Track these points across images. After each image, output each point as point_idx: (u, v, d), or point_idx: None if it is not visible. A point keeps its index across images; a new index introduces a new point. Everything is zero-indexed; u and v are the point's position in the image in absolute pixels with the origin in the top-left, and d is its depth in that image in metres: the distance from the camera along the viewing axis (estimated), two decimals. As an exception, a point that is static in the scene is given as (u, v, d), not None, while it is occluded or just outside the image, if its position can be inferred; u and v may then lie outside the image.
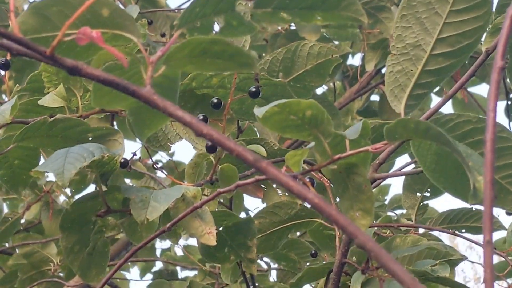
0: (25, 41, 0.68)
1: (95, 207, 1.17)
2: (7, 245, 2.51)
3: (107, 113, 1.26)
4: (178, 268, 3.11)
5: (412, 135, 0.88)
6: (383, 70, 2.93)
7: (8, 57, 1.20)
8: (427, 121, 0.85)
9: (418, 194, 2.01)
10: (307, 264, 2.17)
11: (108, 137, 1.12)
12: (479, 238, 1.84)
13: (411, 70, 0.94)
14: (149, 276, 3.12)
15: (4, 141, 1.14)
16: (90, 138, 1.12)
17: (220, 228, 1.23)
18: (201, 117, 1.25)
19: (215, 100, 1.28)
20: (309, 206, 0.61)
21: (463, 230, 2.02)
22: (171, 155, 3.30)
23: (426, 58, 0.94)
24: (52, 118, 1.10)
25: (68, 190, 2.76)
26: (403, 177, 1.92)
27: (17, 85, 1.31)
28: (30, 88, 1.31)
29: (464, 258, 1.71)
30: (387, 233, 1.99)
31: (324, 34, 2.73)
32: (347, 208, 0.97)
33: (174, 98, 0.81)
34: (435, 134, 0.85)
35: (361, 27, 2.73)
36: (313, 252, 2.08)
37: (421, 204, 2.02)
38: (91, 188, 2.69)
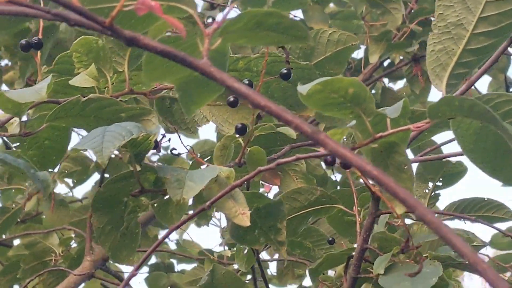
0: (85, 11, 0.67)
1: (127, 188, 1.16)
2: (4, 236, 2.51)
3: (135, 95, 1.25)
4: (174, 261, 3.11)
5: (456, 113, 0.88)
6: (386, 63, 2.94)
7: (40, 36, 1.19)
8: (473, 98, 0.85)
9: (430, 183, 2.01)
10: (323, 252, 2.17)
11: (142, 117, 1.12)
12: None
13: (453, 49, 0.94)
14: (145, 269, 3.11)
15: (35, 121, 1.13)
16: (123, 118, 1.12)
17: (250, 210, 1.22)
18: (232, 99, 1.24)
19: (246, 82, 1.28)
20: (369, 179, 0.60)
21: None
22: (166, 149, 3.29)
23: (468, 37, 0.94)
24: (85, 98, 1.10)
25: (70, 181, 2.76)
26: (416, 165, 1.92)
27: (44, 66, 1.30)
28: (58, 70, 1.31)
29: (485, 244, 1.72)
30: (399, 222, 1.99)
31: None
32: (387, 187, 0.96)
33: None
34: (480, 112, 0.85)
35: (364, 19, 2.73)
36: (330, 239, 2.08)
37: (433, 193, 2.02)
38: (94, 178, 2.69)
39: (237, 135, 1.27)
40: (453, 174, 2.01)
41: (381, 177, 0.66)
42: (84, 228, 2.06)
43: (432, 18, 2.42)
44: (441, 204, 2.12)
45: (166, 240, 2.90)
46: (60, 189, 5.67)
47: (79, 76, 1.18)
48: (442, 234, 0.64)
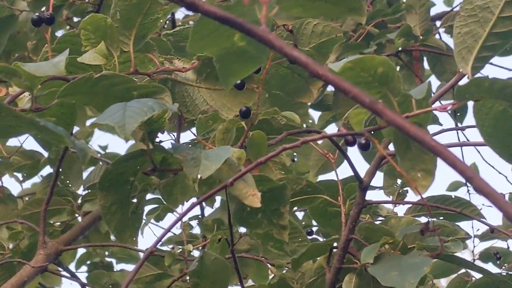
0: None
1: (135, 167, 1.15)
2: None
3: (140, 75, 1.24)
4: (113, 261, 3.09)
5: (485, 94, 0.89)
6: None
7: (50, 10, 1.17)
8: (504, 79, 0.86)
9: (399, 180, 2.02)
10: (296, 245, 2.16)
11: (155, 95, 1.10)
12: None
13: (479, 32, 0.95)
14: (84, 269, 3.09)
15: (44, 98, 1.11)
16: (135, 96, 1.11)
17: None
18: (239, 81, 1.24)
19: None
20: (429, 148, 0.60)
21: (441, 217, 2.03)
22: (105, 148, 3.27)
23: (494, 20, 0.95)
24: (98, 74, 1.09)
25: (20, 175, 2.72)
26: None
27: (46, 45, 1.28)
28: (59, 49, 1.29)
29: (469, 236, 1.74)
30: (367, 217, 2.01)
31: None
32: (409, 168, 0.97)
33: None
34: (510, 94, 0.86)
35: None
36: (309, 230, 2.09)
37: (401, 190, 2.04)
38: (45, 171, 2.65)
39: (242, 118, 1.26)
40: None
41: (439, 149, 0.66)
42: (37, 222, 2.02)
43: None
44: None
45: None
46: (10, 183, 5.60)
47: (88, 53, 1.17)
48: (499, 206, 0.64)
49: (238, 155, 1.13)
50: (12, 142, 2.66)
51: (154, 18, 1.24)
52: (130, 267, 3.11)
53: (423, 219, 2.15)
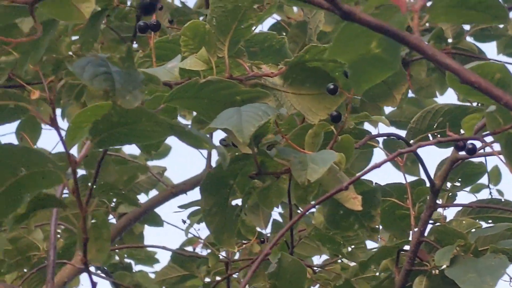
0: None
1: (235, 171, 1.18)
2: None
3: (235, 80, 1.26)
4: (132, 262, 3.11)
5: None
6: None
7: (154, 18, 1.20)
8: None
9: (449, 183, 2.02)
10: (352, 247, 2.18)
11: (259, 100, 1.13)
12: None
13: None
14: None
15: (149, 103, 1.14)
16: (238, 101, 1.13)
17: (349, 196, 1.25)
18: (332, 86, 1.26)
19: (332, 86, 1.29)
20: None
21: (489, 221, 2.02)
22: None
23: None
24: (204, 80, 1.11)
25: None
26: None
27: (140, 51, 1.31)
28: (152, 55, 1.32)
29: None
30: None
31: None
32: (519, 171, 0.99)
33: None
34: None
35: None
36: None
37: (450, 194, 2.05)
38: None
39: (333, 122, 1.29)
40: (473, 174, 2.04)
41: None
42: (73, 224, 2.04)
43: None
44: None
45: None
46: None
47: (188, 59, 1.19)
48: None
49: (338, 159, 1.15)
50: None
51: (248, 24, 1.27)
52: (148, 269, 3.13)
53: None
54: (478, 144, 1.27)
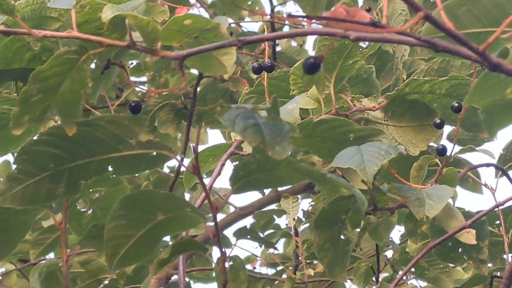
0: (460, 36, 0.71)
1: (347, 206, 1.20)
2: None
3: (341, 117, 1.29)
4: (191, 281, 3.13)
5: None
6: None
7: (266, 58, 1.23)
8: None
9: None
10: (437, 271, 2.18)
11: (371, 138, 1.15)
12: None
13: None
14: None
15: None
16: (351, 138, 1.16)
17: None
18: (439, 121, 1.28)
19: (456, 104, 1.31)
20: None
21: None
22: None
23: None
24: (318, 118, 1.14)
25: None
26: None
27: (246, 88, 1.34)
28: (257, 91, 1.35)
29: None
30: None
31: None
32: None
33: None
34: None
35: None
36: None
37: None
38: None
39: (439, 155, 1.31)
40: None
41: None
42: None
43: None
44: None
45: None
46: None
47: (300, 97, 1.22)
48: None
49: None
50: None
51: (353, 61, 1.29)
52: (207, 287, 3.16)
53: None
54: None
